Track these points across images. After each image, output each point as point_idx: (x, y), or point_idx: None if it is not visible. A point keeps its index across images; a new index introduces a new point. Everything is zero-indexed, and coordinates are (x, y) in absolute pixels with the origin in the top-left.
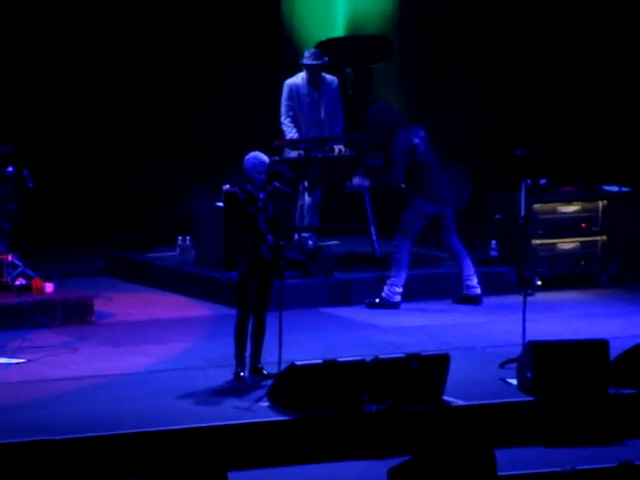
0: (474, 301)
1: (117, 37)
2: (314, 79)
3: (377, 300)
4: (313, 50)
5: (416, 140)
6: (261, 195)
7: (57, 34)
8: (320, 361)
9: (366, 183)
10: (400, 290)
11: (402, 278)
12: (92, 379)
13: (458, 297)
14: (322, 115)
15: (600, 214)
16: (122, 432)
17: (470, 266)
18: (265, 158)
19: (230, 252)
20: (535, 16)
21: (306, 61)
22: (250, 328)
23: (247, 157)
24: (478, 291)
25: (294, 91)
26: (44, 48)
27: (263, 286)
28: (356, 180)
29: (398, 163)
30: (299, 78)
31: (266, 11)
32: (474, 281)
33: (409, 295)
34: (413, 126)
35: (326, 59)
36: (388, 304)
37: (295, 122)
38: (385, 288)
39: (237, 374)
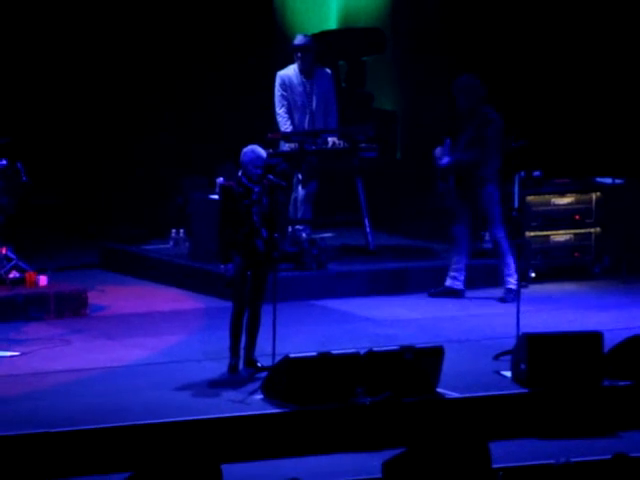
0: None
1: (109, 28)
2: (306, 67)
3: (514, 287)
4: (303, 34)
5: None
6: (256, 189)
7: (52, 26)
8: (314, 353)
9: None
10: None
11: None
12: (86, 372)
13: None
14: (314, 105)
15: (594, 206)
16: (116, 425)
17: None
18: (263, 152)
19: (225, 245)
20: (528, 7)
21: (296, 42)
22: (245, 321)
23: (245, 150)
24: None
25: (287, 82)
26: (38, 39)
27: (258, 279)
28: (445, 159)
29: (489, 146)
30: (291, 70)
31: (259, 4)
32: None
33: (407, 287)
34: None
35: (314, 42)
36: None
37: (289, 113)
38: (508, 279)
39: (231, 366)
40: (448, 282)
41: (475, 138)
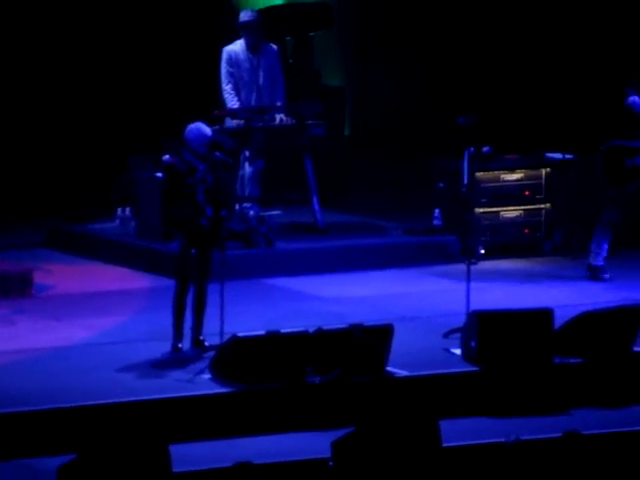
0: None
1: (53, 5)
2: (252, 42)
3: None
4: (249, 10)
5: None
6: (200, 166)
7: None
8: (263, 332)
9: None
10: None
11: None
12: (31, 352)
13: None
14: (261, 81)
15: (544, 182)
16: (61, 406)
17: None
18: (208, 131)
19: (168, 223)
20: None
21: (243, 18)
22: (191, 300)
23: (189, 127)
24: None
25: (233, 58)
26: None
27: (202, 257)
28: None
29: None
30: (238, 45)
31: None
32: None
33: (356, 265)
34: None
35: (261, 18)
36: None
37: (236, 89)
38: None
39: (175, 346)
40: (595, 261)
41: None
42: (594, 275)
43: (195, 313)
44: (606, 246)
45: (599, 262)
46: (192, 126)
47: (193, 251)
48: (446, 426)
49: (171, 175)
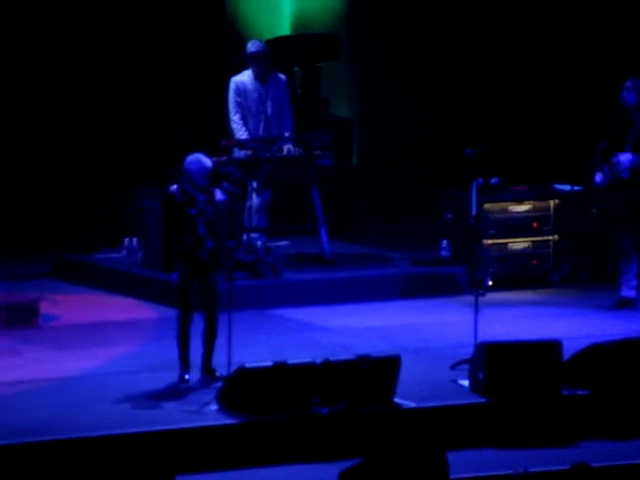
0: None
1: (61, 31)
2: (260, 72)
3: None
4: (256, 41)
5: None
6: (200, 198)
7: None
8: (270, 363)
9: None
10: None
11: None
12: (38, 383)
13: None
14: (269, 111)
15: (552, 213)
16: (67, 437)
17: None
18: (208, 162)
19: (169, 255)
20: (483, 12)
21: (252, 48)
22: (196, 330)
23: (189, 159)
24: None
25: (241, 88)
26: None
27: (206, 288)
28: (625, 157)
29: None
30: (245, 75)
31: (211, 10)
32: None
33: (363, 296)
34: None
35: (269, 49)
36: None
37: (243, 120)
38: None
39: (181, 377)
40: (621, 292)
41: None
42: (620, 306)
43: (205, 343)
44: (629, 276)
45: (623, 293)
46: (192, 158)
47: (196, 282)
48: (454, 458)
49: (170, 206)
